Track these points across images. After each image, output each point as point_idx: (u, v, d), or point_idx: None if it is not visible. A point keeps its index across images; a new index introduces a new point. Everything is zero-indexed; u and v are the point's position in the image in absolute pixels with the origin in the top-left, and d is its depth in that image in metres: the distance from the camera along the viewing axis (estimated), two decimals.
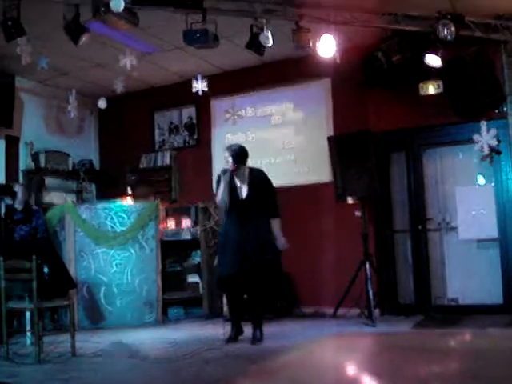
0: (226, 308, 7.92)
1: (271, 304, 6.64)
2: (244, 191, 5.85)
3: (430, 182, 7.81)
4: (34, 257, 5.25)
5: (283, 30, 6.70)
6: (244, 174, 5.90)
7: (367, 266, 7.04)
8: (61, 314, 7.37)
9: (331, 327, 6.78)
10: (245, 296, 6.02)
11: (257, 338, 5.72)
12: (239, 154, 5.86)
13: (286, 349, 4.99)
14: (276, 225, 5.88)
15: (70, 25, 5.97)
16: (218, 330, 6.43)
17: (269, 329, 6.06)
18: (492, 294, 7.23)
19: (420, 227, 7.69)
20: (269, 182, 5.99)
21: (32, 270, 5.26)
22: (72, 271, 7.19)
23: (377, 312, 7.20)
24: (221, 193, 5.79)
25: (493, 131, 7.09)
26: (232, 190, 5.82)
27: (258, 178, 5.94)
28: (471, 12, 6.61)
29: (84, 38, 6.03)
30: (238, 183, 5.87)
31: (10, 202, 7.38)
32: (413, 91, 7.50)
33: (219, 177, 5.89)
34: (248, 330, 5.86)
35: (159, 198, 8.41)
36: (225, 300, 8.01)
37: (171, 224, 8.59)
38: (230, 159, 5.80)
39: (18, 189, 7.22)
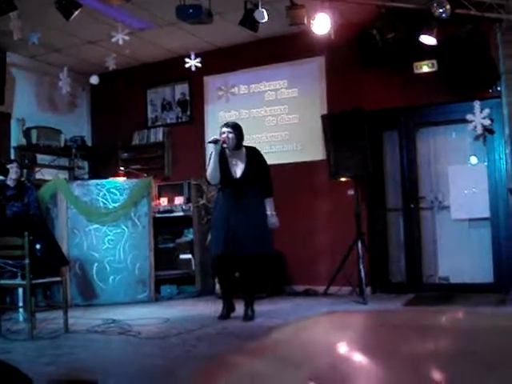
0: (218, 286, 7.98)
1: (263, 282, 6.64)
2: (239, 170, 5.81)
3: (423, 161, 7.82)
4: (26, 233, 5.24)
5: (277, 6, 6.65)
6: (241, 152, 5.86)
7: (359, 244, 7.07)
8: (53, 290, 7.37)
9: (323, 305, 6.83)
10: (236, 274, 6.01)
11: (248, 316, 5.75)
12: (241, 132, 5.83)
13: (277, 326, 5.03)
14: (270, 204, 5.87)
15: (61, 0, 5.89)
16: (211, 308, 6.47)
17: (260, 307, 6.10)
18: (483, 272, 7.29)
19: (412, 206, 7.72)
20: (264, 161, 5.99)
21: (24, 247, 5.25)
22: (64, 248, 7.19)
23: (368, 290, 7.25)
24: (211, 169, 5.73)
25: (486, 111, 7.08)
26: (226, 167, 5.77)
27: (255, 157, 5.91)
28: None
29: (75, 14, 5.95)
30: (233, 161, 5.83)
31: (1, 178, 7.34)
32: (407, 70, 7.49)
33: (212, 152, 5.79)
34: (240, 307, 5.89)
35: (152, 175, 8.39)
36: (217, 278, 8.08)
37: (164, 201, 8.60)
38: (231, 135, 5.72)
39: (11, 166, 7.17)
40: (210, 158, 5.81)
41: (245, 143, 6.02)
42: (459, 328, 1.23)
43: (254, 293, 5.96)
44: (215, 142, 5.68)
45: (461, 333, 1.16)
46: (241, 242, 5.62)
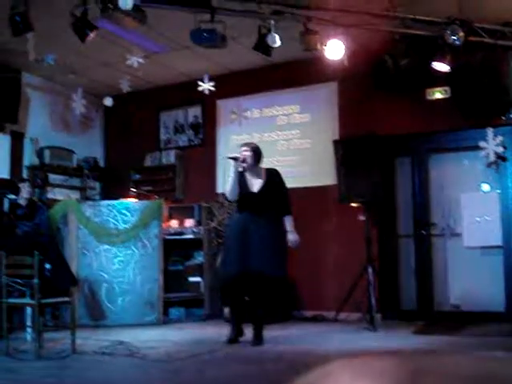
0: (226, 309, 7.93)
1: (272, 307, 6.56)
2: (257, 185, 5.82)
3: (435, 188, 7.78)
4: (36, 253, 5.24)
5: (291, 31, 6.68)
6: (259, 171, 5.88)
7: (370, 270, 7.02)
8: (62, 310, 7.36)
9: (332, 332, 6.76)
10: (246, 298, 5.95)
11: (257, 341, 5.69)
12: (259, 154, 5.88)
13: (286, 354, 4.96)
14: (289, 222, 5.85)
15: (77, 22, 5.95)
16: (219, 332, 6.42)
17: (269, 332, 6.04)
18: (494, 301, 7.20)
19: (424, 232, 7.67)
20: (283, 180, 5.99)
21: (34, 267, 5.25)
22: (74, 268, 7.20)
23: (378, 317, 7.16)
24: (230, 184, 5.78)
25: (499, 138, 7.07)
26: (244, 183, 5.81)
27: (275, 177, 5.94)
28: (479, 18, 6.60)
29: (91, 36, 6.01)
30: (251, 179, 5.85)
31: (13, 197, 7.38)
32: (420, 96, 7.51)
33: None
34: (248, 332, 5.84)
35: (163, 197, 8.40)
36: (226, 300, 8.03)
37: (174, 223, 8.59)
38: (249, 154, 5.78)
39: (23, 185, 7.20)
40: (230, 175, 5.86)
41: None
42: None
43: (263, 317, 5.88)
44: (235, 158, 5.73)
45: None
46: (255, 261, 5.54)
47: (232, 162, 5.76)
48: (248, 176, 5.85)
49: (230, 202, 6.15)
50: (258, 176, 5.86)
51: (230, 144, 8.69)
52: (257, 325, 5.77)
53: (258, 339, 5.71)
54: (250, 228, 5.66)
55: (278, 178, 5.97)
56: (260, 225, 5.66)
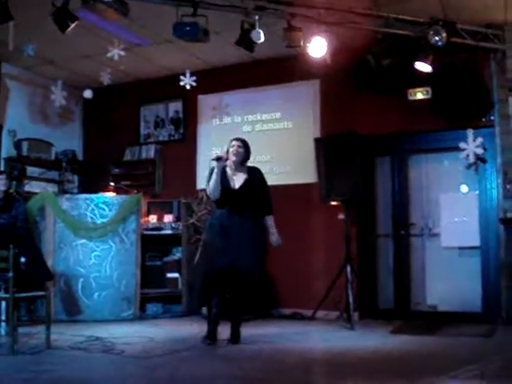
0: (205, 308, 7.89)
1: (249, 305, 6.49)
2: (238, 182, 5.71)
3: (415, 188, 7.81)
4: (11, 246, 5.16)
5: (274, 28, 6.65)
6: (243, 170, 5.79)
7: (348, 269, 7.03)
8: (37, 305, 7.29)
9: (310, 330, 6.76)
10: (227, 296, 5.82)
11: (235, 339, 5.65)
12: (248, 151, 5.84)
13: (263, 352, 4.94)
14: (271, 222, 5.78)
15: (58, 12, 5.86)
16: (196, 328, 6.39)
17: (246, 330, 6.01)
18: (471, 302, 7.24)
19: (403, 232, 7.69)
20: (264, 179, 5.93)
21: (8, 260, 5.17)
22: (50, 262, 7.12)
23: (356, 315, 7.18)
24: (213, 183, 5.62)
25: (479, 139, 7.11)
26: (225, 181, 5.68)
27: (256, 175, 5.85)
28: (462, 20, 6.63)
29: (72, 27, 5.92)
30: (232, 175, 5.74)
31: None
32: (401, 96, 7.52)
33: (213, 167, 5.69)
34: (223, 329, 5.79)
35: (142, 192, 8.33)
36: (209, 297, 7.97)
37: (153, 218, 8.54)
38: (241, 150, 5.74)
39: (0, 177, 7.08)
40: (210, 173, 5.72)
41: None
42: None
43: (241, 315, 5.83)
44: (219, 158, 5.62)
45: None
46: (239, 259, 5.47)
47: (215, 162, 5.65)
48: (229, 172, 5.76)
49: (211, 200, 5.94)
50: (240, 173, 5.76)
51: (211, 140, 8.64)
52: (235, 323, 5.72)
53: (235, 337, 5.66)
54: (233, 226, 5.59)
55: (260, 176, 5.89)
56: (242, 223, 5.59)
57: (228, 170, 5.75)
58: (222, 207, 5.73)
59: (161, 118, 9.33)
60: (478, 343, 5.80)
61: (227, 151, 5.78)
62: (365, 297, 7.62)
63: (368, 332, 6.58)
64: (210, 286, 5.72)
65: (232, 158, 5.72)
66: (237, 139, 5.84)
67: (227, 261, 5.47)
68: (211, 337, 5.60)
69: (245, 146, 5.80)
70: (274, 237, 5.76)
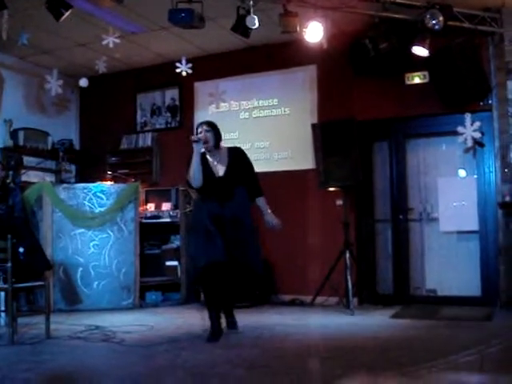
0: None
1: (248, 291, 6.44)
2: (222, 169, 5.33)
3: (413, 173, 7.80)
4: (9, 236, 5.15)
5: (270, 13, 6.63)
6: (222, 152, 5.41)
7: (347, 254, 7.03)
8: (36, 295, 7.29)
9: (310, 316, 6.77)
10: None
11: (233, 325, 5.61)
12: (219, 132, 5.43)
13: (263, 338, 4.94)
14: (263, 203, 5.44)
15: (52, 0, 5.82)
16: (196, 316, 6.39)
17: (246, 316, 6.02)
18: (470, 286, 7.26)
19: (401, 217, 7.68)
20: (249, 160, 5.54)
21: (7, 250, 5.16)
22: (49, 252, 7.11)
23: (355, 301, 7.19)
24: (194, 169, 5.24)
25: (477, 124, 7.08)
26: (206, 168, 5.30)
27: (238, 156, 5.46)
28: (459, 3, 6.59)
29: (66, 15, 5.88)
30: (213, 161, 5.37)
31: None
32: (399, 80, 7.49)
33: (191, 156, 5.28)
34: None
35: (139, 180, 8.31)
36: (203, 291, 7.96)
37: (151, 206, 8.52)
38: (209, 134, 5.32)
39: None
40: (189, 159, 5.32)
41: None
42: None
43: (234, 301, 5.78)
44: (197, 140, 5.24)
45: None
46: (237, 250, 5.15)
47: (194, 144, 5.25)
48: (210, 159, 5.39)
49: (194, 188, 5.49)
50: (221, 158, 5.39)
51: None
52: (230, 310, 5.64)
53: (233, 323, 5.60)
54: (223, 215, 5.21)
55: (244, 157, 5.50)
56: (231, 210, 5.23)
57: (208, 156, 5.40)
58: (207, 198, 5.34)
59: (157, 106, 9.28)
60: (478, 327, 5.81)
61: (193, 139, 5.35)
62: (364, 282, 7.63)
63: (367, 317, 6.60)
64: (204, 281, 5.34)
65: (204, 146, 5.32)
66: (201, 124, 5.44)
67: (221, 254, 5.10)
68: (216, 332, 5.29)
69: (212, 127, 5.39)
70: (269, 217, 5.41)
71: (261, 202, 5.45)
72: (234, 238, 5.19)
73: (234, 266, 5.21)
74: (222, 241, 5.14)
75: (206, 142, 5.31)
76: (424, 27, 6.43)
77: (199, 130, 5.38)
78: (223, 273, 5.19)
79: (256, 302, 7.43)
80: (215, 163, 5.38)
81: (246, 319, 5.97)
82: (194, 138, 5.28)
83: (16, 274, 5.23)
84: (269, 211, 5.43)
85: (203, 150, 5.33)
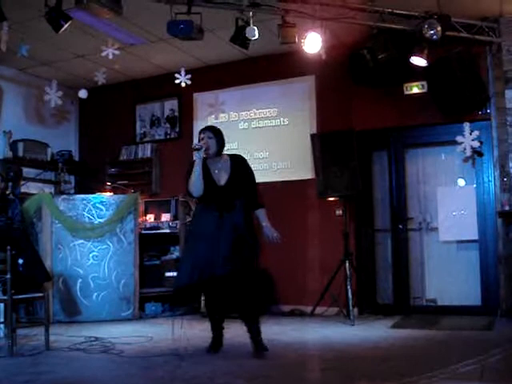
0: (203, 304, 7.86)
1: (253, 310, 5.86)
2: (223, 178, 5.09)
3: (412, 182, 7.81)
4: (8, 248, 5.14)
5: (268, 24, 6.66)
6: (223, 160, 5.18)
7: (347, 264, 7.02)
8: (36, 306, 7.26)
9: (310, 326, 6.76)
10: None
11: (257, 344, 5.06)
12: (222, 138, 5.18)
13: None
14: (263, 215, 5.17)
15: (51, 12, 5.84)
16: (195, 327, 6.37)
17: (245, 327, 5.98)
18: (470, 295, 7.25)
19: (400, 226, 7.68)
20: (251, 169, 5.27)
21: (6, 262, 5.16)
22: (48, 263, 7.10)
23: (355, 311, 7.18)
24: (195, 177, 5.00)
25: (476, 133, 7.09)
26: (207, 176, 5.06)
27: (240, 165, 5.21)
28: (457, 13, 6.62)
29: (65, 26, 5.90)
30: (215, 169, 5.12)
31: None
32: (397, 90, 7.51)
33: (191, 164, 5.11)
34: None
35: (139, 191, 8.32)
36: (202, 296, 7.93)
37: (150, 217, 8.52)
38: (212, 141, 5.09)
39: None
40: (189, 167, 5.11)
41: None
42: None
43: (256, 322, 5.11)
44: (199, 148, 5.02)
45: None
46: (221, 262, 4.84)
47: (195, 152, 5.07)
48: (211, 166, 5.14)
49: (194, 197, 5.29)
50: (222, 166, 5.14)
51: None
52: (253, 332, 5.10)
53: (260, 348, 5.04)
54: (218, 226, 4.95)
55: (246, 166, 5.25)
56: (230, 221, 4.96)
57: (208, 163, 5.15)
58: (207, 206, 5.08)
59: (156, 117, 9.31)
60: (478, 336, 5.80)
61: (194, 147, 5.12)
62: (364, 292, 7.62)
63: (368, 327, 6.58)
64: (181, 303, 5.36)
65: (206, 152, 5.08)
66: (203, 130, 5.20)
67: (213, 269, 4.84)
68: (213, 345, 5.20)
69: (215, 134, 5.15)
70: (268, 230, 5.13)
71: (260, 214, 5.20)
72: (230, 249, 4.88)
73: (230, 277, 4.89)
74: (217, 253, 4.87)
75: (207, 149, 5.09)
76: (422, 37, 6.45)
77: (201, 135, 5.15)
78: (218, 285, 4.93)
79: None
80: (216, 171, 5.13)
81: (242, 330, 5.94)
82: (195, 146, 5.08)
83: (15, 285, 5.22)
84: (268, 224, 5.17)
85: (204, 155, 5.10)
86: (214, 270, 4.85)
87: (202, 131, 5.19)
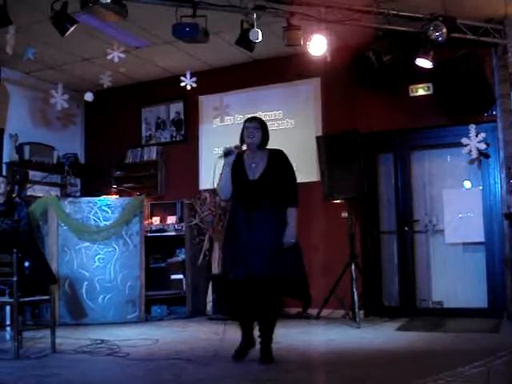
0: (209, 307, 7.87)
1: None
2: (258, 172, 4.83)
3: (418, 184, 7.79)
4: (14, 251, 5.15)
5: (273, 27, 6.66)
6: (263, 155, 4.90)
7: (353, 267, 7.01)
8: (42, 309, 7.28)
9: (316, 329, 6.75)
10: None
11: (265, 358, 4.82)
12: (268, 132, 4.95)
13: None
14: (292, 215, 4.88)
15: (57, 16, 5.87)
16: (201, 329, 6.37)
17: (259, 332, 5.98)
18: (477, 297, 7.22)
19: (406, 229, 7.66)
20: (290, 164, 4.97)
21: (12, 265, 5.17)
22: (54, 266, 7.11)
23: (361, 314, 7.16)
24: (224, 179, 4.84)
25: (482, 135, 7.08)
26: (241, 170, 4.85)
27: (279, 159, 4.92)
28: (463, 15, 6.61)
29: (71, 30, 5.92)
30: (252, 164, 4.87)
31: None
32: (403, 92, 7.52)
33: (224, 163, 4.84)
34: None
35: (144, 194, 8.33)
36: (208, 298, 7.94)
37: (156, 220, 8.53)
38: (258, 132, 4.86)
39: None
40: (222, 169, 4.88)
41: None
42: None
43: (271, 330, 4.90)
44: (228, 153, 4.80)
45: None
46: (256, 264, 4.64)
47: (224, 158, 4.84)
48: (249, 160, 4.90)
49: (222, 199, 5.23)
50: (260, 160, 4.87)
51: (213, 140, 8.61)
52: (264, 339, 4.89)
53: (266, 356, 4.83)
54: (250, 223, 4.72)
55: (284, 161, 4.94)
56: (262, 219, 4.73)
57: (245, 157, 4.92)
58: (239, 203, 4.87)
59: (162, 120, 9.32)
60: (485, 339, 5.78)
61: (241, 139, 4.94)
62: (370, 294, 7.60)
63: (374, 330, 6.56)
64: (235, 295, 4.85)
65: (248, 140, 4.85)
66: (250, 120, 4.99)
67: (242, 271, 4.66)
68: (239, 353, 4.90)
69: (262, 126, 4.92)
70: (290, 231, 4.85)
71: (290, 212, 4.88)
72: (257, 252, 4.66)
73: (254, 285, 4.67)
74: (247, 253, 4.66)
75: (240, 152, 4.88)
76: (427, 39, 6.44)
77: (247, 125, 4.91)
78: (249, 288, 4.70)
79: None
80: (253, 165, 4.87)
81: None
82: (226, 150, 4.82)
83: (21, 288, 5.22)
84: (293, 225, 4.88)
85: (244, 148, 4.92)
86: (238, 274, 4.67)
87: (249, 121, 4.97)
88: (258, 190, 4.79)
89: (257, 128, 4.88)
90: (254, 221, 4.73)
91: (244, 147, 4.94)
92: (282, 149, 5.04)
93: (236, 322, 5.07)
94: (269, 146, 4.98)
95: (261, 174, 4.83)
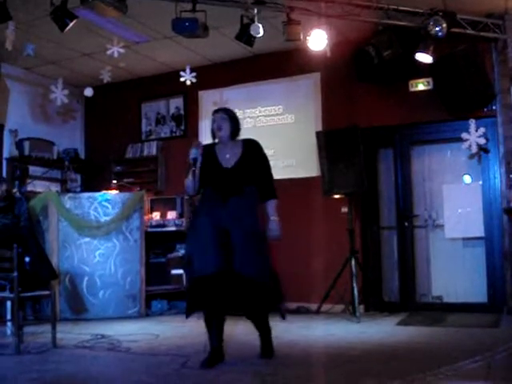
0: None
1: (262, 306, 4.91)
2: (233, 160, 4.66)
3: (418, 179, 7.79)
4: (15, 246, 5.16)
5: (274, 22, 6.65)
6: (237, 144, 4.75)
7: (353, 262, 7.02)
8: (42, 304, 7.29)
9: (316, 324, 6.76)
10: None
11: (266, 352, 4.81)
12: (238, 123, 4.82)
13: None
14: (272, 207, 4.71)
15: (56, 11, 5.86)
16: (202, 324, 6.36)
17: (251, 325, 5.98)
18: (476, 292, 7.24)
19: (406, 224, 7.67)
20: (265, 154, 4.83)
21: (13, 260, 5.17)
22: (54, 261, 7.12)
23: (361, 308, 7.18)
24: (189, 180, 4.71)
25: (481, 130, 7.07)
26: (214, 159, 4.67)
27: (254, 149, 4.78)
28: (463, 10, 6.60)
29: (71, 25, 5.92)
30: (225, 154, 4.69)
31: None
32: (403, 87, 7.51)
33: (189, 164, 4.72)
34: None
35: (144, 189, 8.34)
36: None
37: (156, 215, 8.53)
38: (226, 124, 4.70)
39: None
40: (188, 170, 4.74)
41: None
42: None
43: (266, 324, 4.88)
44: (196, 158, 4.68)
45: None
46: (238, 261, 4.41)
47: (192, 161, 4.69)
48: (221, 152, 4.71)
49: (189, 195, 5.01)
50: (234, 150, 4.71)
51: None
52: (263, 334, 4.87)
53: (267, 350, 4.82)
54: (224, 213, 4.50)
55: (259, 150, 4.80)
56: (237, 208, 4.52)
57: (217, 149, 4.74)
58: (211, 193, 4.65)
59: (162, 115, 9.32)
60: (484, 333, 5.80)
61: (212, 133, 4.79)
62: (370, 289, 7.61)
63: (374, 325, 6.58)
64: (201, 294, 4.54)
65: (217, 134, 4.71)
66: (217, 111, 4.84)
67: (217, 265, 4.40)
68: (209, 358, 4.55)
69: (230, 116, 4.75)
70: (273, 224, 4.68)
71: (270, 205, 4.73)
72: (241, 248, 4.44)
73: (233, 280, 4.45)
74: (218, 248, 4.44)
75: (218, 131, 4.71)
76: (427, 34, 6.43)
77: (213, 117, 4.77)
78: (218, 285, 4.43)
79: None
80: (227, 156, 4.68)
81: (251, 327, 5.94)
82: (193, 155, 4.69)
83: (22, 283, 5.24)
84: (275, 218, 4.71)
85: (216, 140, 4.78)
86: (208, 269, 4.40)
87: (215, 112, 4.83)
88: (234, 177, 4.61)
89: (223, 118, 4.72)
90: (231, 208, 4.52)
91: (216, 140, 4.79)
92: (255, 139, 4.89)
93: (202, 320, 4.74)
94: (268, 141, 4.92)
95: (236, 163, 4.65)
